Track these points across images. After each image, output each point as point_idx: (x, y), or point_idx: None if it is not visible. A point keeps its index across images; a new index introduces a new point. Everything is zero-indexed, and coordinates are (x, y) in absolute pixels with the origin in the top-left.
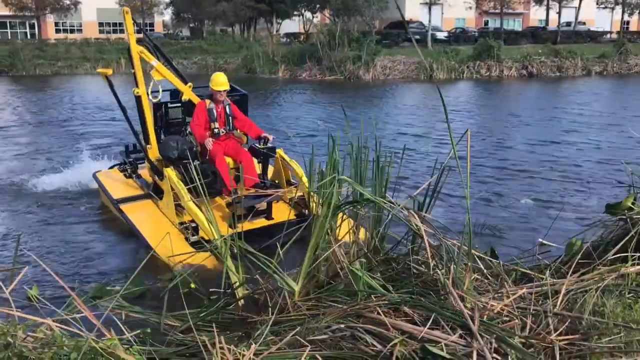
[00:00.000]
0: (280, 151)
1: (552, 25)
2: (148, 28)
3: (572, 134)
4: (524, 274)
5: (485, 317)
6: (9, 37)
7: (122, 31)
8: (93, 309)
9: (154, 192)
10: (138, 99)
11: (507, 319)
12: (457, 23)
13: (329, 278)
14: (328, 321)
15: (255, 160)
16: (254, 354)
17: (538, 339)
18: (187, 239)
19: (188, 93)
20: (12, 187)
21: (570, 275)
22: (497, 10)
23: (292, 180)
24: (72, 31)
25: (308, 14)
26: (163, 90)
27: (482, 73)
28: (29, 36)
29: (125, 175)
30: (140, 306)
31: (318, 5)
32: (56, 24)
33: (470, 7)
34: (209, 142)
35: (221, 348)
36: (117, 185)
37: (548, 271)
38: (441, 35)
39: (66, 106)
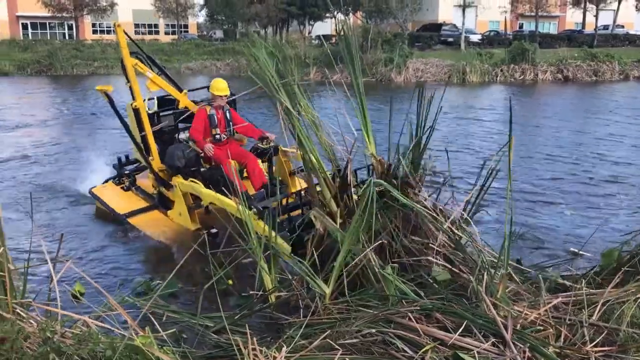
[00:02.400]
0: (281, 147)
1: (589, 29)
2: (182, 30)
3: (610, 139)
4: (558, 283)
5: (518, 325)
6: (48, 38)
7: (157, 32)
8: (130, 306)
9: (160, 203)
10: (136, 111)
11: (542, 328)
12: (491, 26)
13: (360, 281)
14: (359, 325)
15: (259, 161)
16: (285, 356)
17: (573, 349)
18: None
19: (184, 100)
20: (53, 186)
21: (609, 285)
22: (532, 13)
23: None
24: (108, 32)
25: (340, 16)
26: (149, 99)
27: (516, 77)
28: (66, 37)
29: (123, 188)
30: (177, 304)
31: (350, 8)
32: (93, 25)
33: (505, 11)
34: (209, 148)
35: (253, 349)
36: (121, 198)
37: (584, 280)
38: (475, 37)
39: (102, 104)
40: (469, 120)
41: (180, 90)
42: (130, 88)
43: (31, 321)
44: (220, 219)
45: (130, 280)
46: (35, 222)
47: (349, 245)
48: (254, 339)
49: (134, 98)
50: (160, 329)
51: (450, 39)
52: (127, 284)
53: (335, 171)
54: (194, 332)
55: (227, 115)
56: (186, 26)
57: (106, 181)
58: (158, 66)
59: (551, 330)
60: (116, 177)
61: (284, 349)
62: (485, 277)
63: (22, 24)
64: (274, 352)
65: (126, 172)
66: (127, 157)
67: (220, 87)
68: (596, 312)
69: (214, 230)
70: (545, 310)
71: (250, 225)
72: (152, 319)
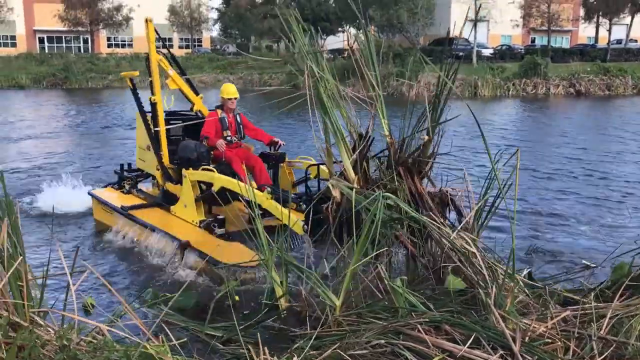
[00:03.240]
0: (287, 158)
1: (602, 43)
2: (196, 43)
3: (625, 153)
4: (567, 296)
5: (527, 338)
6: (64, 51)
7: (171, 46)
8: (141, 316)
9: (163, 200)
10: (153, 105)
11: (550, 341)
12: (503, 40)
13: (371, 294)
14: (368, 337)
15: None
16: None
17: None
18: (212, 232)
19: (199, 104)
20: (65, 198)
21: (618, 299)
22: (544, 28)
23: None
24: (123, 46)
25: (352, 30)
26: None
27: (528, 91)
28: (82, 50)
29: (122, 192)
30: (187, 316)
31: (363, 22)
32: (108, 38)
33: (517, 25)
34: (221, 144)
35: (265, 359)
36: (119, 198)
37: (592, 294)
38: (487, 52)
39: (116, 117)
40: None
41: (197, 94)
42: (151, 82)
43: (49, 329)
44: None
45: (140, 291)
46: (48, 233)
47: (357, 259)
48: (265, 348)
49: (152, 92)
50: (172, 338)
51: (462, 53)
52: (134, 294)
53: (356, 139)
54: (203, 343)
55: (238, 119)
56: (200, 40)
57: (106, 186)
58: (179, 66)
59: (559, 343)
60: (117, 182)
61: (295, 359)
62: (494, 289)
63: (39, 37)
64: None
65: (128, 177)
66: (129, 165)
67: (230, 90)
68: (604, 325)
69: (220, 217)
70: (554, 324)
71: (259, 224)
72: (166, 328)
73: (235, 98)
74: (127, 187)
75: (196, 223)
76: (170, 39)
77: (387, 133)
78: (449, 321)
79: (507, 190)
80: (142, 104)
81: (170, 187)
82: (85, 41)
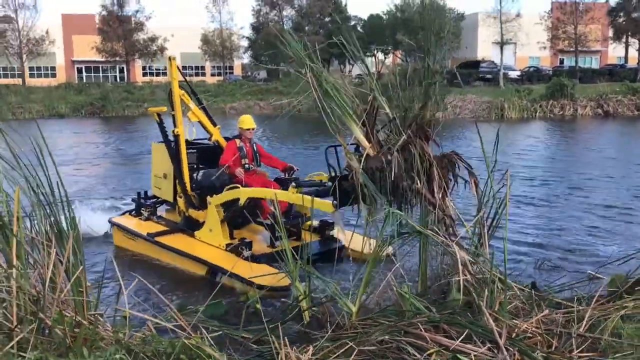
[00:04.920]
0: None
1: (632, 63)
2: (228, 71)
3: None
4: (559, 302)
5: (514, 335)
6: (101, 81)
7: (203, 74)
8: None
9: (186, 226)
10: (177, 138)
11: (531, 336)
12: (531, 62)
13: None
14: (377, 335)
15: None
16: (310, 358)
17: (559, 354)
18: (240, 255)
19: (217, 135)
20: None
21: (594, 302)
22: (572, 49)
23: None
24: (157, 74)
25: (380, 55)
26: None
27: (555, 112)
28: (118, 79)
29: (141, 219)
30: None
31: (390, 47)
32: (143, 67)
33: (545, 47)
34: (240, 172)
35: (287, 352)
36: (141, 225)
37: (579, 299)
38: (514, 74)
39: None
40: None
41: (215, 125)
42: (174, 116)
43: (107, 325)
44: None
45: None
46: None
47: (371, 268)
48: (288, 342)
49: (175, 125)
50: (206, 334)
51: (489, 76)
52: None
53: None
54: (234, 344)
55: (254, 147)
56: (231, 67)
57: (123, 213)
58: (199, 100)
59: (540, 338)
60: (134, 210)
61: (311, 349)
62: (486, 292)
63: (77, 68)
64: (302, 355)
65: (146, 204)
66: (145, 192)
67: (248, 121)
68: (583, 324)
69: (247, 240)
70: (538, 322)
71: (286, 242)
72: (202, 329)
73: (253, 129)
74: (145, 214)
75: (222, 247)
76: (202, 67)
77: (387, 110)
78: (447, 321)
79: (502, 207)
80: (168, 136)
81: (193, 213)
82: (122, 70)
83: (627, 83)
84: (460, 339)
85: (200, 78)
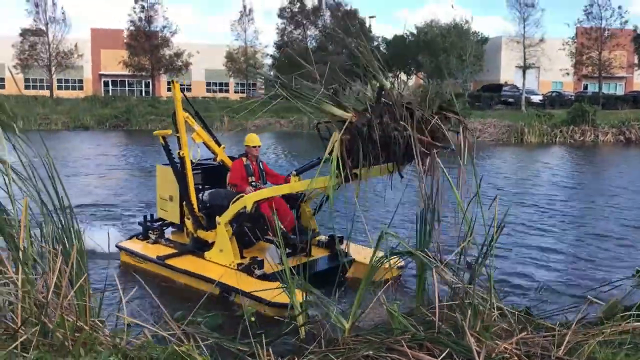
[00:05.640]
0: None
1: None
2: (251, 88)
3: None
4: (544, 325)
5: (493, 354)
6: (127, 94)
7: (227, 90)
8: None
9: (195, 247)
10: (182, 159)
11: (509, 356)
12: (554, 86)
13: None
14: (363, 351)
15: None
16: None
17: None
18: (251, 274)
19: (221, 154)
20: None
21: (575, 327)
22: (596, 75)
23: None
24: (182, 90)
25: (403, 76)
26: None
27: (576, 138)
28: (143, 93)
29: (148, 242)
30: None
31: (413, 68)
32: (168, 82)
33: (568, 73)
34: (250, 190)
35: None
36: (150, 249)
37: (565, 324)
38: (536, 98)
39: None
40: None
41: (219, 145)
42: (178, 138)
43: (106, 331)
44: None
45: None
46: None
47: (363, 289)
48: (270, 350)
49: (180, 147)
50: (201, 343)
51: (511, 99)
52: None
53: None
54: (231, 355)
55: (260, 166)
56: (254, 85)
57: (130, 238)
58: (203, 121)
59: (515, 358)
60: (141, 233)
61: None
62: (469, 313)
63: (104, 81)
64: None
65: (153, 227)
66: (152, 215)
67: (253, 139)
68: (562, 348)
69: (259, 259)
70: (518, 343)
71: (283, 254)
72: (197, 337)
73: (259, 146)
74: (153, 237)
75: (234, 266)
76: (226, 84)
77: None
78: (430, 339)
79: (500, 233)
80: (174, 158)
81: (202, 234)
82: (147, 85)
83: None
84: (440, 357)
85: (224, 94)
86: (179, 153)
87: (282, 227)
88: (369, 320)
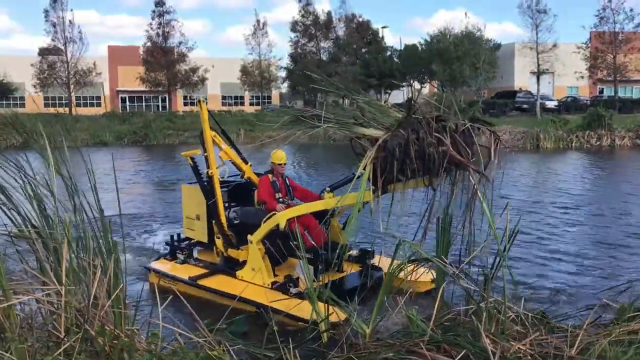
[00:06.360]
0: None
1: None
2: (266, 100)
3: None
4: (557, 326)
5: (508, 354)
6: (144, 110)
7: (242, 103)
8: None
9: (226, 266)
10: (210, 178)
11: (522, 356)
12: (569, 91)
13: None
14: (383, 354)
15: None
16: None
17: None
18: (287, 292)
19: (248, 172)
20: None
21: (586, 328)
22: (611, 79)
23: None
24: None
25: (417, 85)
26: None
27: (592, 142)
28: (160, 109)
29: (177, 262)
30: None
31: (427, 77)
32: (184, 97)
33: (582, 77)
34: (281, 207)
35: None
36: (180, 269)
37: (579, 326)
38: (551, 104)
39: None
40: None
41: (246, 163)
42: (206, 157)
43: (141, 338)
44: None
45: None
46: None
47: (382, 296)
48: (297, 352)
49: (208, 166)
50: (229, 348)
51: (525, 106)
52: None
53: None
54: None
55: (287, 181)
56: (269, 97)
57: (157, 259)
58: (229, 140)
59: (529, 358)
60: (168, 253)
61: None
62: (484, 316)
63: (121, 97)
64: None
65: (181, 246)
66: (178, 235)
67: (280, 156)
68: (575, 348)
69: (295, 277)
70: (532, 344)
71: (305, 265)
72: (225, 343)
73: (285, 163)
74: (181, 257)
75: (268, 285)
76: (242, 97)
77: None
78: (447, 341)
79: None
80: (203, 178)
81: (232, 252)
82: (164, 100)
83: None
84: (457, 358)
85: (239, 107)
86: (207, 172)
87: (313, 243)
88: (391, 326)
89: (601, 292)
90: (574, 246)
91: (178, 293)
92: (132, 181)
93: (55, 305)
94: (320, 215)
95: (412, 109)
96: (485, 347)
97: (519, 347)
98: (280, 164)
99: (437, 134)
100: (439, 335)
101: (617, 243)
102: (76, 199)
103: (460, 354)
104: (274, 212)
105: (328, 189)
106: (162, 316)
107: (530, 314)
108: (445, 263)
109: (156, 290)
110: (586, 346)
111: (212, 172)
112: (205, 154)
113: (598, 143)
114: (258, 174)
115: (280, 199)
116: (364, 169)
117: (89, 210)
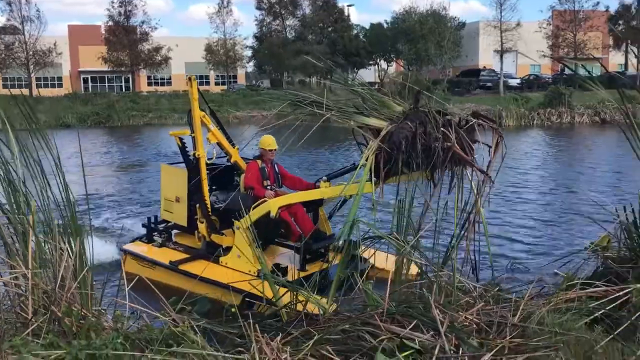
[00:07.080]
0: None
1: (633, 70)
2: (231, 80)
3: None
4: (505, 297)
5: (455, 323)
6: (107, 91)
7: (207, 83)
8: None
9: (207, 251)
10: (198, 160)
11: (468, 324)
12: (532, 70)
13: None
14: (340, 325)
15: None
16: (283, 344)
17: (489, 339)
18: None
19: (236, 156)
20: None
21: (528, 298)
22: (572, 57)
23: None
24: (162, 84)
25: (383, 64)
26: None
27: (552, 120)
28: (123, 89)
29: (155, 245)
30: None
31: (393, 55)
32: (148, 77)
33: (544, 55)
34: (270, 194)
35: (257, 336)
36: (158, 252)
37: (515, 296)
38: (514, 82)
39: (153, 153)
40: None
41: (234, 146)
42: (193, 138)
43: (108, 317)
44: None
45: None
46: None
47: (340, 270)
48: (257, 326)
49: (195, 147)
50: (193, 324)
51: (489, 84)
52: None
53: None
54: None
55: (276, 168)
56: (235, 76)
57: (134, 240)
58: (218, 121)
59: (474, 326)
60: (144, 236)
61: (279, 337)
62: (434, 288)
63: (83, 78)
64: (272, 342)
65: (159, 229)
66: (155, 217)
67: (270, 142)
68: (517, 316)
69: (283, 265)
70: (478, 313)
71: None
72: (190, 320)
73: (275, 149)
74: (159, 240)
75: (254, 273)
76: (207, 77)
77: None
78: (400, 312)
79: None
80: (191, 159)
81: (216, 238)
82: (127, 80)
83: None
84: (409, 328)
85: (204, 87)
86: (194, 153)
87: (300, 231)
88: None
89: (551, 264)
90: (530, 220)
91: (142, 277)
92: (96, 163)
93: (23, 288)
94: (308, 203)
95: (418, 100)
96: (435, 317)
97: (466, 317)
98: (270, 150)
99: (443, 129)
100: (393, 308)
101: (572, 216)
102: (42, 182)
103: (412, 324)
104: (263, 199)
105: (325, 178)
106: (128, 297)
107: (477, 286)
108: (398, 240)
109: (122, 272)
110: (527, 314)
111: (199, 154)
112: (193, 135)
113: (558, 120)
114: (245, 159)
115: (268, 187)
116: (367, 159)
117: (56, 194)
